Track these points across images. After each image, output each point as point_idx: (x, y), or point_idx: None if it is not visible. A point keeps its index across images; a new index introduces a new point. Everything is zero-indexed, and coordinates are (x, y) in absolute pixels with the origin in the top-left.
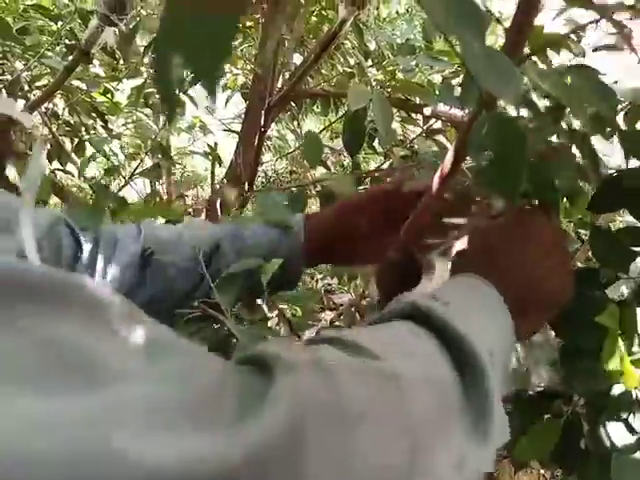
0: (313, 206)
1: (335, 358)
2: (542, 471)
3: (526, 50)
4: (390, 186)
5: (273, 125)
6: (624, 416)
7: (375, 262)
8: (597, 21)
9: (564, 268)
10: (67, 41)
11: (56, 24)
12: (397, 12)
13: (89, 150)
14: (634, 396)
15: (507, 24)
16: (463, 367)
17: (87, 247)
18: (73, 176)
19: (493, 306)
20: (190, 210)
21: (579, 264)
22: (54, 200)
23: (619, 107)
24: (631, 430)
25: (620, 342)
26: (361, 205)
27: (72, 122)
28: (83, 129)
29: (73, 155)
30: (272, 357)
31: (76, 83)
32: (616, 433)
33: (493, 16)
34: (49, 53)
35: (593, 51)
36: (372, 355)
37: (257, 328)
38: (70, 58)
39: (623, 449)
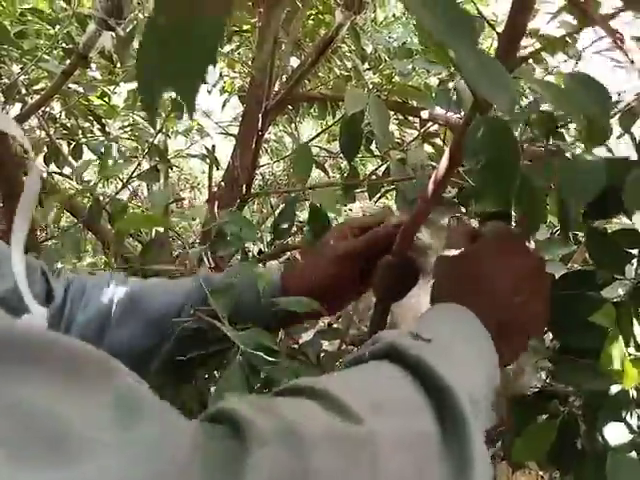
0: (305, 211)
1: (308, 424)
2: (540, 473)
3: (523, 53)
4: (362, 243)
5: (270, 128)
6: (622, 415)
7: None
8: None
9: (544, 293)
10: (64, 45)
11: (53, 28)
12: (394, 16)
13: (86, 154)
14: (631, 395)
15: (501, 27)
16: (443, 413)
17: (59, 294)
18: (71, 179)
19: (476, 336)
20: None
21: (576, 266)
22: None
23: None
24: (630, 429)
25: (620, 342)
26: (336, 268)
27: (69, 125)
28: (80, 132)
29: (70, 158)
30: (245, 422)
31: (73, 87)
32: (612, 433)
33: (485, 20)
34: (46, 57)
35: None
36: (346, 411)
37: (254, 332)
38: (68, 62)
39: (619, 448)
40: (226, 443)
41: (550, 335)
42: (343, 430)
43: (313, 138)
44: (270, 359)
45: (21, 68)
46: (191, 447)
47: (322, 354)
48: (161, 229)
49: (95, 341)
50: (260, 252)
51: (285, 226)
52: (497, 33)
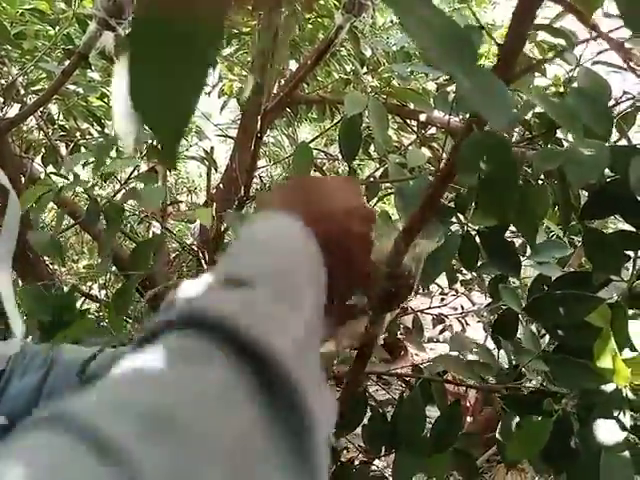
0: None
1: None
2: (536, 478)
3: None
4: None
5: (268, 131)
6: (615, 413)
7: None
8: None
9: (368, 241)
10: (64, 46)
11: (54, 28)
12: (391, 21)
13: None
14: (624, 394)
15: (497, 33)
16: (270, 390)
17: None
18: (68, 180)
19: (302, 250)
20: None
21: (572, 269)
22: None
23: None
24: (622, 427)
25: (612, 341)
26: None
27: (67, 126)
28: (78, 134)
29: (68, 159)
30: None
31: (72, 87)
32: (606, 432)
33: (486, 31)
34: (46, 57)
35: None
36: (110, 449)
37: None
38: (67, 62)
39: (612, 447)
40: None
41: (546, 337)
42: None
43: (312, 140)
44: None
45: (20, 69)
46: None
47: None
48: (157, 230)
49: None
50: None
51: None
52: (497, 44)
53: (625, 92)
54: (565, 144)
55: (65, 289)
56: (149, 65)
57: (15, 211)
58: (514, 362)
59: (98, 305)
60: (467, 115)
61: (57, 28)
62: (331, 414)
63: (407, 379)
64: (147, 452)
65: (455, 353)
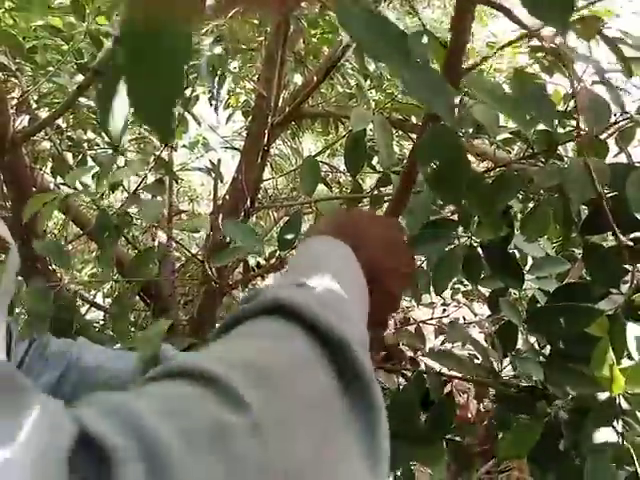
0: (310, 222)
1: (170, 427)
2: None
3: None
4: None
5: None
6: (609, 421)
7: None
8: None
9: (406, 266)
10: (75, 60)
11: (67, 44)
12: None
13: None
14: (618, 402)
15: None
16: (341, 365)
17: (18, 352)
18: (76, 190)
19: (355, 276)
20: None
21: (572, 281)
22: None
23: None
24: (616, 433)
25: (610, 351)
26: None
27: (74, 137)
28: (86, 144)
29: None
30: (100, 440)
31: (82, 100)
32: (599, 439)
33: (432, 35)
34: (59, 70)
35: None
36: (229, 394)
37: None
38: (80, 76)
39: (598, 453)
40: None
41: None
42: (216, 427)
43: (318, 154)
44: None
45: (32, 82)
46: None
47: None
48: (163, 240)
49: None
50: (258, 265)
51: (290, 237)
52: (444, 47)
53: (624, 111)
54: (566, 160)
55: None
56: (138, 66)
57: (14, 263)
58: (512, 367)
59: (103, 314)
60: (421, 121)
61: (70, 43)
62: None
63: (404, 373)
64: (259, 402)
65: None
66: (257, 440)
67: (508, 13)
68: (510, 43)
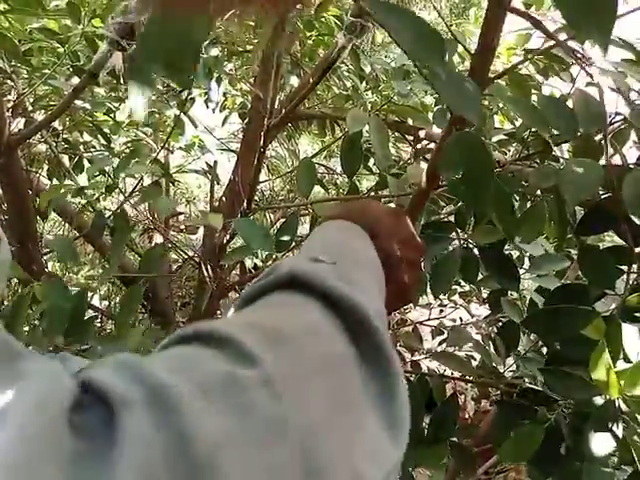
0: (306, 224)
1: (182, 379)
2: None
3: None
4: None
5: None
6: (608, 425)
7: None
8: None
9: (418, 260)
10: (70, 62)
11: (62, 46)
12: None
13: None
14: (617, 405)
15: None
16: (357, 332)
17: None
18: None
19: (371, 258)
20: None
21: (569, 282)
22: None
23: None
24: (616, 438)
25: (606, 353)
26: None
27: (70, 140)
28: (82, 147)
29: (72, 172)
30: (109, 393)
31: (78, 102)
32: (598, 443)
33: (458, 41)
34: (54, 73)
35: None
36: (239, 351)
37: None
38: (75, 79)
39: (597, 458)
40: (92, 419)
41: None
42: (232, 376)
43: (314, 155)
44: None
45: (28, 84)
46: (52, 435)
47: None
48: (160, 240)
49: None
50: (255, 267)
51: (286, 238)
52: (470, 53)
53: (617, 113)
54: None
55: None
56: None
57: (5, 259)
58: (514, 368)
59: (100, 316)
60: (446, 126)
61: (66, 46)
62: None
63: (406, 376)
64: (272, 359)
65: (451, 349)
66: (270, 392)
67: (537, 24)
68: (542, 52)
